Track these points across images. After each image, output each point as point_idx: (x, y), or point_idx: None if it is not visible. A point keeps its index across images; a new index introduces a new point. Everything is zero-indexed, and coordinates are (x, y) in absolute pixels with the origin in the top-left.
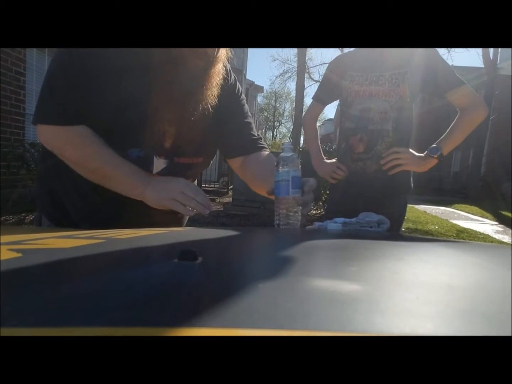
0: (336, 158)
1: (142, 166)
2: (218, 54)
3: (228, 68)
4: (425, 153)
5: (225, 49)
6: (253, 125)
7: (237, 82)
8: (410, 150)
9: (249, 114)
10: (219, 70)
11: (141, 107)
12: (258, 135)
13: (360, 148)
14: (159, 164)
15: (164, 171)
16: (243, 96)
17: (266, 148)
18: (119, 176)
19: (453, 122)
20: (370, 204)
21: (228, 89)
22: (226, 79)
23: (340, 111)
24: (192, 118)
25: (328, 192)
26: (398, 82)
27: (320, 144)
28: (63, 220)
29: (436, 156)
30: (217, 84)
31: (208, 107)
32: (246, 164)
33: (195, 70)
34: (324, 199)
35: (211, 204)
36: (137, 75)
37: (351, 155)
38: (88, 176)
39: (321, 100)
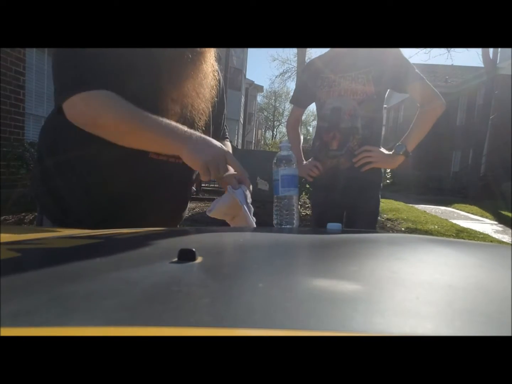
0: (311, 158)
1: None
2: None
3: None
4: (392, 151)
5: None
6: (225, 117)
7: (221, 78)
8: (381, 148)
9: (225, 108)
10: (211, 55)
11: (145, 83)
12: (225, 126)
13: (334, 146)
14: None
15: None
16: (223, 91)
17: (228, 138)
18: (156, 136)
19: (414, 119)
20: (345, 200)
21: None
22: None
23: (316, 112)
24: (193, 100)
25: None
26: (364, 81)
27: (300, 147)
28: (65, 219)
29: (402, 153)
30: (212, 70)
31: (209, 92)
32: None
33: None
34: None
35: (241, 182)
36: (140, 53)
37: (326, 152)
38: (124, 142)
39: (298, 103)
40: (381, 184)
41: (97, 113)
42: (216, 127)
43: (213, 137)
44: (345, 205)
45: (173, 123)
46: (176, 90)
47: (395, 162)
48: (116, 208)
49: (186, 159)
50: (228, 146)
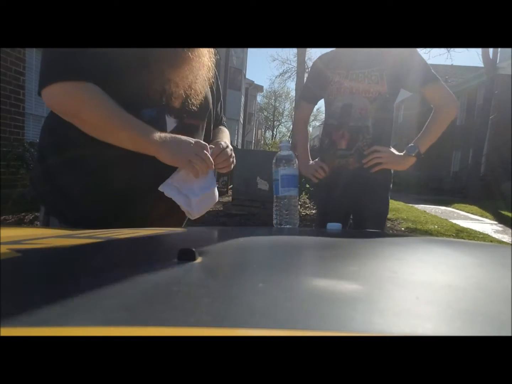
0: (319, 157)
1: (156, 125)
2: None
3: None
4: (404, 152)
5: None
6: (222, 104)
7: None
8: (391, 149)
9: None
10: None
11: (148, 68)
12: (222, 114)
13: (343, 145)
14: (170, 123)
15: (175, 130)
16: (217, 77)
17: (225, 125)
18: (134, 135)
19: (428, 120)
20: (353, 201)
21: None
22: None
23: (325, 109)
24: (194, 81)
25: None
26: (377, 79)
27: (308, 146)
28: (77, 218)
29: (414, 154)
30: (208, 51)
31: (207, 74)
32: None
33: None
34: None
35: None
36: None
37: (334, 152)
38: (100, 137)
39: (307, 99)
40: (391, 185)
41: (80, 106)
42: (216, 113)
43: (213, 123)
44: (353, 206)
45: (149, 127)
46: (175, 73)
47: (406, 164)
48: (124, 204)
49: (164, 161)
50: (226, 132)
